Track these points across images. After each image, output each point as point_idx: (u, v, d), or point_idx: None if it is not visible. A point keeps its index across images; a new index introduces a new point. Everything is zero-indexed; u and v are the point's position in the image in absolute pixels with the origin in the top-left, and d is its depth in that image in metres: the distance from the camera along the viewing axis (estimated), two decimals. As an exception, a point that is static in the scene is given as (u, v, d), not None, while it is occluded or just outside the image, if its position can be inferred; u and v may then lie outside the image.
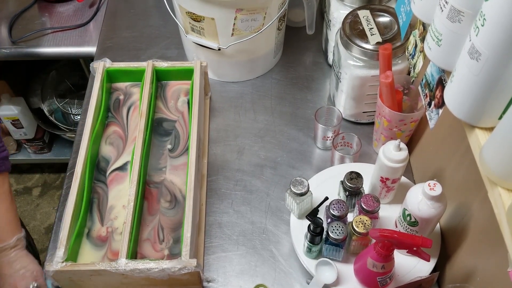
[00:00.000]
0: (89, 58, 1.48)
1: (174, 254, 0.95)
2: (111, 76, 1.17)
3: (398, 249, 0.83)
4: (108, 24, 1.45)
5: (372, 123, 1.18)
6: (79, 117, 1.76)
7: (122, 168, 1.06)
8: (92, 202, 1.02)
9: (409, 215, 0.86)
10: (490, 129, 0.65)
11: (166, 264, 0.86)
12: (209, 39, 1.16)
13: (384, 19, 1.07)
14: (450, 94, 0.68)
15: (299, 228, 0.98)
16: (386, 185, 0.96)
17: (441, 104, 0.79)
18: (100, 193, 1.03)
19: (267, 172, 1.13)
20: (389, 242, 0.79)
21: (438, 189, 0.81)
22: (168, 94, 1.19)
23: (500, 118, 0.63)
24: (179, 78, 1.20)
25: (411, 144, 1.12)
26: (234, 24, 1.11)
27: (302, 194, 0.94)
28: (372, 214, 0.91)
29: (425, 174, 1.05)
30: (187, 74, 1.17)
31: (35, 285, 0.95)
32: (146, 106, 1.08)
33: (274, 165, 1.14)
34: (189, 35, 1.19)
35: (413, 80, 1.01)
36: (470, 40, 0.58)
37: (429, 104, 0.83)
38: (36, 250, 1.20)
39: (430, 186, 0.81)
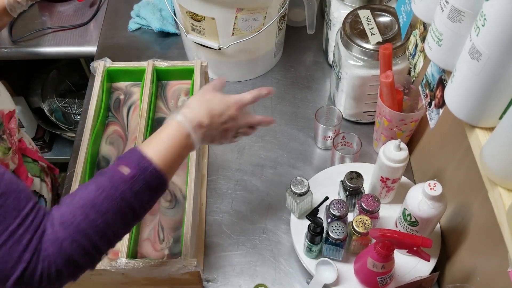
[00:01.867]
0: (89, 58, 1.48)
1: (174, 254, 0.95)
2: (111, 76, 1.17)
3: (398, 249, 0.83)
4: (109, 24, 1.45)
5: (373, 123, 1.18)
6: (79, 116, 1.76)
7: (122, 167, 1.06)
8: (92, 201, 1.01)
9: (409, 215, 0.86)
10: (491, 129, 0.65)
11: (166, 264, 0.86)
12: (210, 38, 1.16)
13: (385, 18, 1.07)
14: (451, 94, 0.68)
15: (299, 228, 0.98)
16: (387, 185, 0.96)
17: (441, 104, 0.79)
18: (100, 192, 1.03)
19: (267, 172, 1.13)
20: (389, 242, 0.79)
21: (438, 189, 0.81)
22: (169, 94, 1.19)
23: (501, 118, 0.63)
24: (179, 77, 1.20)
25: (411, 144, 1.12)
26: (234, 23, 1.11)
27: (302, 194, 0.94)
28: (372, 214, 0.91)
29: (425, 174, 1.05)
30: (187, 73, 1.17)
31: None
32: (147, 106, 1.08)
33: (274, 165, 1.14)
34: (190, 35, 1.18)
35: (414, 80, 1.01)
36: (471, 40, 0.58)
37: (430, 104, 0.83)
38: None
39: (430, 186, 0.81)
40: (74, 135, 1.80)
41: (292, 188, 0.94)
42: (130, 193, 0.64)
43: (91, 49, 1.41)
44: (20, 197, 0.61)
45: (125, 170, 0.65)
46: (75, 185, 0.96)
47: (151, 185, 0.66)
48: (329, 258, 0.93)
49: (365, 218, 0.89)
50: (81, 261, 0.63)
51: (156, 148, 0.68)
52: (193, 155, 1.00)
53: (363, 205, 0.91)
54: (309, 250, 0.93)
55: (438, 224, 0.95)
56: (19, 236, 0.59)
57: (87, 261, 0.65)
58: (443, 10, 0.66)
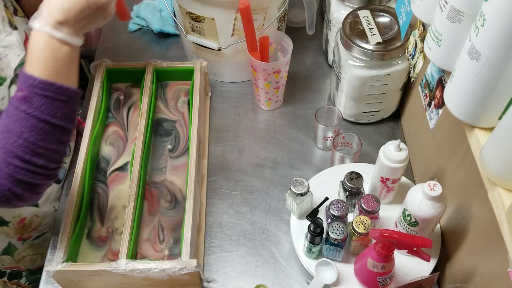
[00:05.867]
0: (89, 58, 1.48)
1: (174, 255, 0.95)
2: (111, 76, 1.17)
3: (398, 249, 0.83)
4: (109, 24, 1.45)
5: (373, 124, 1.18)
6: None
7: (122, 168, 1.07)
8: (92, 202, 1.02)
9: (409, 215, 0.86)
10: (490, 129, 0.65)
11: (166, 265, 0.86)
12: (209, 39, 1.16)
13: (384, 19, 1.07)
14: (450, 94, 0.68)
15: (299, 228, 0.98)
16: (386, 185, 0.96)
17: (441, 104, 0.79)
18: (100, 193, 1.03)
19: (267, 172, 1.13)
20: (389, 242, 0.79)
21: (438, 189, 0.81)
22: (168, 95, 1.19)
23: (500, 118, 0.63)
24: (179, 78, 1.20)
25: (411, 144, 1.12)
26: (234, 24, 1.11)
27: (302, 194, 0.94)
28: (372, 214, 0.91)
29: (425, 174, 1.05)
30: (187, 74, 1.17)
31: None
32: (146, 106, 1.08)
33: (274, 165, 1.14)
34: (189, 35, 1.19)
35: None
36: (470, 40, 0.58)
37: (429, 104, 0.83)
38: None
39: (430, 186, 0.81)
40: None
41: (292, 189, 0.94)
42: (33, 108, 0.68)
43: (91, 49, 1.41)
44: None
45: (19, 94, 0.69)
46: (75, 186, 0.96)
47: (47, 95, 0.69)
48: (329, 258, 0.93)
49: (365, 218, 0.89)
50: (26, 178, 0.67)
51: (34, 63, 0.70)
52: (193, 156, 1.00)
53: (363, 206, 0.91)
54: (309, 250, 0.93)
55: (438, 224, 0.95)
56: None
57: (35, 177, 0.68)
58: (442, 11, 0.66)
